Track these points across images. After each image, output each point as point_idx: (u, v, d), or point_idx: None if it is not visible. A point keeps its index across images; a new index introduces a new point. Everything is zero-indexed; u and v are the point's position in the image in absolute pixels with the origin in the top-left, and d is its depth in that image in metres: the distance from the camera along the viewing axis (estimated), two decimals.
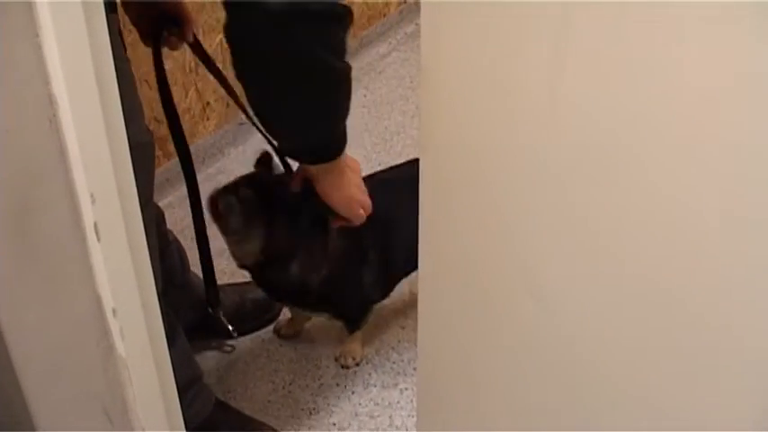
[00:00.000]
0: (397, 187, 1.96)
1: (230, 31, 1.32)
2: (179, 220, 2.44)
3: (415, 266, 2.03)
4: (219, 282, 2.20)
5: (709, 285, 0.76)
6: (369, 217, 1.75)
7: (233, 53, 1.35)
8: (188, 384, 1.80)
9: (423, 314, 1.06)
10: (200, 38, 1.79)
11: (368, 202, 1.72)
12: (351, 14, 1.35)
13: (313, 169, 1.63)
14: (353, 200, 1.70)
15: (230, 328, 2.08)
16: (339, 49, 1.38)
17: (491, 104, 0.84)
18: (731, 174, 0.69)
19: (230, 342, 2.21)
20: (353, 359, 2.13)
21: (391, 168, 2.20)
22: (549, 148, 0.81)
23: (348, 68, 1.42)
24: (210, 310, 2.01)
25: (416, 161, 2.05)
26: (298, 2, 1.24)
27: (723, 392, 0.80)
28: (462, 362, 1.05)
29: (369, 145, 2.95)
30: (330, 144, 1.58)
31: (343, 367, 2.13)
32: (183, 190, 2.64)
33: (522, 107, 0.81)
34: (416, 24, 3.62)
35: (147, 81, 2.19)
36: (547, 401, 0.96)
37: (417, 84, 3.21)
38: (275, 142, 1.68)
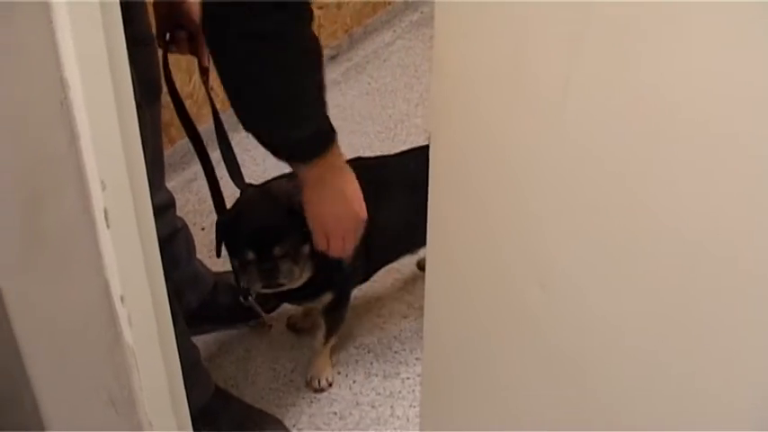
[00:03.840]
0: (383, 176, 1.98)
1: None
2: (180, 207, 2.42)
3: (397, 256, 2.06)
4: (221, 269, 2.19)
5: (717, 276, 0.75)
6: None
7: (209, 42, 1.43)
8: (186, 370, 1.79)
9: (429, 302, 1.05)
10: None
11: (362, 217, 1.70)
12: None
13: (303, 174, 1.62)
14: (346, 218, 1.68)
15: (260, 311, 2.07)
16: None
17: (503, 92, 0.83)
18: (743, 167, 0.69)
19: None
20: (327, 380, 2.05)
21: (378, 157, 2.18)
22: (560, 138, 0.80)
23: (317, 40, 1.46)
24: (242, 299, 1.98)
25: (406, 152, 2.07)
26: None
27: (725, 385, 0.80)
28: (468, 351, 1.05)
29: (372, 133, 2.93)
30: (316, 132, 1.58)
31: (316, 391, 2.04)
32: (185, 175, 2.66)
33: (535, 96, 0.80)
34: (421, 13, 3.61)
35: None
36: (553, 390, 0.96)
37: (422, 72, 3.22)
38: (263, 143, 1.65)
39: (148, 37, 1.76)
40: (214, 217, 2.22)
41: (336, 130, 1.63)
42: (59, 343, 1.01)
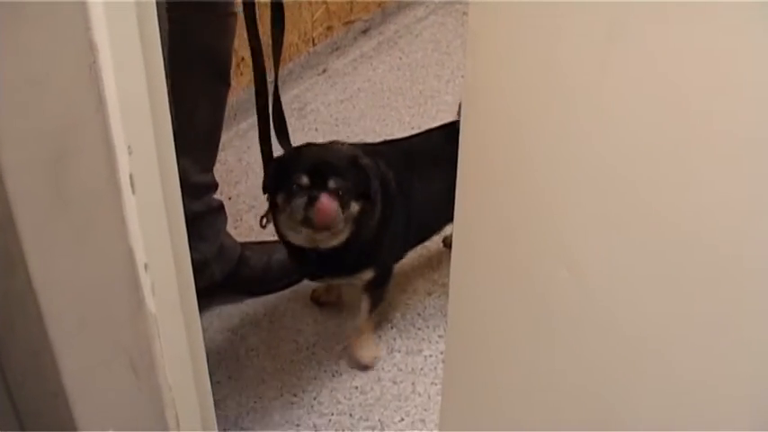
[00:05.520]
0: (416, 157, 2.01)
1: None
2: None
3: (435, 231, 2.06)
4: (246, 239, 2.19)
5: (749, 271, 0.74)
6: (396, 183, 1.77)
7: None
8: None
9: (455, 281, 1.05)
10: None
11: None
12: None
13: None
14: None
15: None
16: None
17: (537, 75, 0.82)
18: None
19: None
20: (374, 356, 2.05)
21: (409, 138, 2.16)
22: (592, 124, 0.80)
23: None
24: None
25: (433, 130, 2.07)
26: None
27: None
28: (492, 332, 1.04)
29: (402, 108, 2.91)
30: None
31: (365, 369, 2.03)
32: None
33: (569, 80, 0.79)
34: None
35: None
36: (577, 374, 0.95)
37: (453, 49, 3.19)
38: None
39: (222, 10, 1.76)
40: (241, 187, 2.23)
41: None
42: (82, 308, 1.01)
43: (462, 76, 3.01)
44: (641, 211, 0.80)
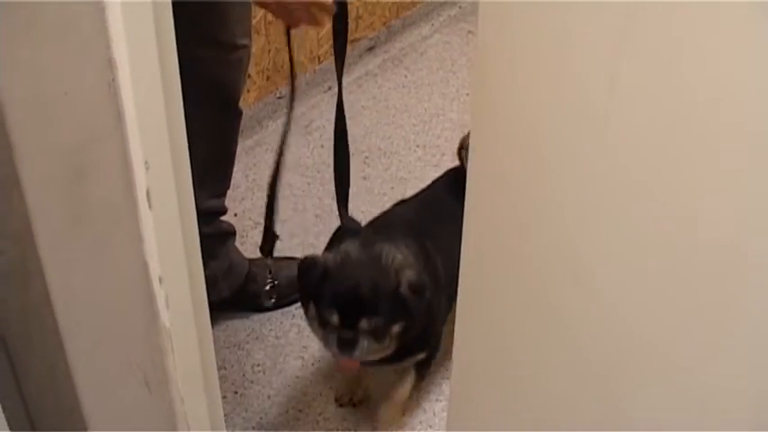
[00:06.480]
0: (436, 206, 1.94)
1: None
2: None
3: None
4: (252, 255, 2.20)
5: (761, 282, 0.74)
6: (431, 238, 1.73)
7: None
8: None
9: (463, 296, 1.05)
10: None
11: None
12: None
13: None
14: None
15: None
16: None
17: (546, 90, 0.83)
18: None
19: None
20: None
21: (428, 189, 2.08)
22: (601, 134, 0.80)
23: None
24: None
25: (446, 175, 2.04)
26: None
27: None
28: (500, 349, 1.05)
29: (408, 126, 2.93)
30: None
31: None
32: None
33: (579, 95, 0.80)
34: (460, 7, 3.58)
35: None
36: (583, 389, 0.96)
37: (458, 67, 3.20)
38: None
39: (230, 44, 1.76)
40: (247, 203, 2.23)
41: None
42: (98, 322, 1.02)
43: (467, 94, 3.03)
44: (650, 226, 0.80)
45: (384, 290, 1.61)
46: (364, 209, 2.40)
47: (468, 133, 1.92)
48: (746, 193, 0.72)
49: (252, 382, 2.03)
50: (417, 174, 2.65)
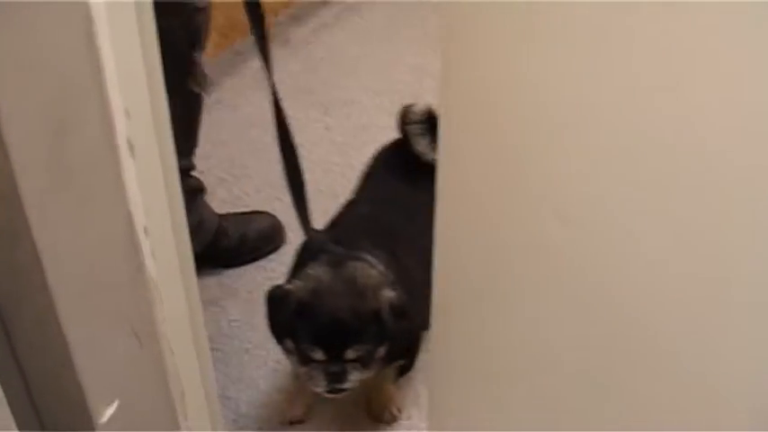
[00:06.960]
0: (390, 194, 1.90)
1: None
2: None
3: None
4: (220, 211, 2.19)
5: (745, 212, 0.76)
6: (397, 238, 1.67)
7: None
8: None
9: (441, 240, 1.03)
10: None
11: None
12: None
13: None
14: None
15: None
16: None
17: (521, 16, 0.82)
18: None
19: None
20: (398, 409, 1.86)
21: (373, 177, 2.02)
22: (581, 69, 0.80)
23: None
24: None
25: (384, 155, 1.96)
26: None
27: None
28: (483, 292, 1.03)
29: (365, 74, 2.93)
30: None
31: (388, 423, 1.84)
32: None
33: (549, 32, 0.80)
34: None
35: None
36: (572, 331, 0.96)
37: (413, 11, 3.19)
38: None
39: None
40: (212, 161, 2.21)
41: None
42: (85, 277, 1.01)
43: (424, 36, 3.03)
44: (631, 162, 0.81)
45: (365, 316, 1.55)
46: (329, 159, 2.41)
47: (410, 105, 1.92)
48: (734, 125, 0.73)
49: (229, 338, 2.04)
50: (378, 121, 2.65)
